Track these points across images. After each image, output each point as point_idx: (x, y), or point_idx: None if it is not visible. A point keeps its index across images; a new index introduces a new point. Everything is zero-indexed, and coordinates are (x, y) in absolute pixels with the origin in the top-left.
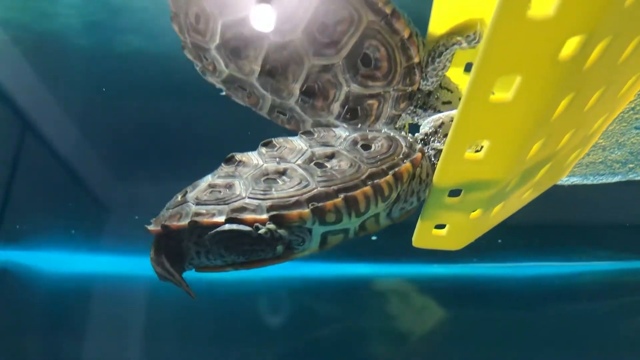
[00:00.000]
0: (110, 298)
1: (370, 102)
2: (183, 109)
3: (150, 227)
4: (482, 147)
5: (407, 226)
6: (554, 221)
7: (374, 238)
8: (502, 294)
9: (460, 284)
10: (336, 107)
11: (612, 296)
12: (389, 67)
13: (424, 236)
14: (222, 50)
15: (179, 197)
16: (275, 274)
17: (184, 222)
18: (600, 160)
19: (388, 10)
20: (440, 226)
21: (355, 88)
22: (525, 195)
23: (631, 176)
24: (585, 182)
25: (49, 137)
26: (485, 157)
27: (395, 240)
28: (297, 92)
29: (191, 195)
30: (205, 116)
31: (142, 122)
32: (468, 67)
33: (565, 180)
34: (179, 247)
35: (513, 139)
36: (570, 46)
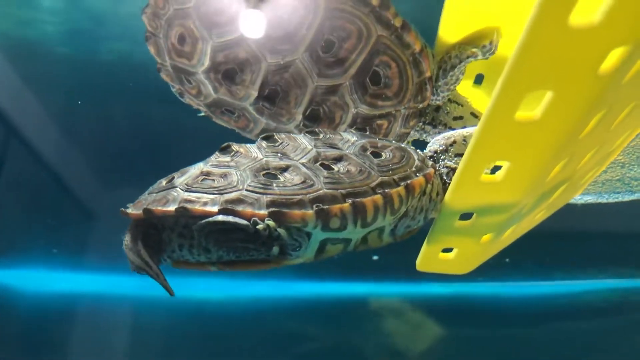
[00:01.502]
0: (92, 318)
1: (379, 122)
2: (172, 117)
3: (130, 211)
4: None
5: (406, 243)
6: (560, 237)
7: (375, 258)
8: (503, 312)
9: (460, 302)
10: (342, 130)
11: (616, 314)
12: (400, 84)
13: (429, 260)
14: (212, 75)
15: (164, 182)
16: (266, 294)
17: (171, 207)
18: (617, 177)
19: (398, 23)
20: (447, 249)
21: (363, 109)
22: (538, 216)
23: None
24: (599, 200)
25: (30, 148)
26: (504, 179)
27: (394, 257)
28: (299, 117)
29: (180, 180)
30: (193, 123)
31: (128, 131)
32: (478, 79)
33: (578, 199)
34: (158, 236)
35: (536, 161)
36: (613, 58)
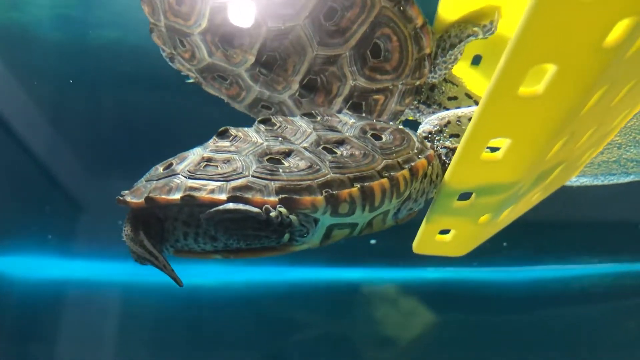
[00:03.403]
0: (83, 305)
1: (376, 97)
2: (162, 105)
3: (129, 199)
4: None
5: (399, 229)
6: (552, 222)
7: (373, 242)
8: (495, 297)
9: (452, 288)
10: (338, 102)
11: (607, 299)
12: (400, 58)
13: (426, 242)
14: (209, 37)
15: (161, 169)
16: (258, 279)
17: (175, 196)
18: (614, 159)
19: None
20: (445, 231)
21: (361, 82)
22: (534, 198)
23: None
24: (595, 182)
25: (19, 135)
26: (504, 157)
27: (385, 243)
28: (296, 85)
29: (181, 167)
30: (184, 110)
31: (118, 118)
32: (475, 60)
33: (574, 180)
34: (159, 225)
35: (537, 138)
36: (618, 30)
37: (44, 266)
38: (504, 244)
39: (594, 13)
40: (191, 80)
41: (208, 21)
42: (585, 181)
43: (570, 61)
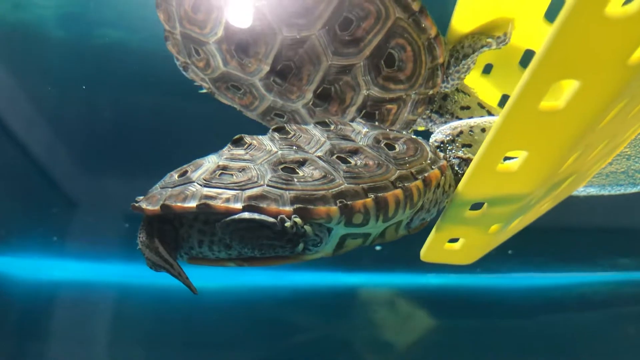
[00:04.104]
0: (80, 306)
1: (389, 106)
2: (163, 105)
3: (145, 206)
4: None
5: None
6: (554, 230)
7: (378, 248)
8: (494, 304)
9: (451, 294)
10: (352, 111)
11: (610, 306)
12: (414, 68)
13: (435, 250)
14: (224, 45)
15: (176, 176)
16: (255, 283)
17: (191, 204)
18: (622, 170)
19: (416, 7)
20: (453, 240)
21: (375, 91)
22: (543, 207)
23: None
24: (602, 192)
25: (20, 134)
26: (520, 169)
27: (386, 248)
28: (310, 94)
29: (196, 175)
30: (182, 110)
31: (118, 119)
32: (486, 69)
33: (581, 190)
34: (174, 232)
35: (554, 151)
36: None
37: (43, 267)
38: (510, 251)
39: (622, 31)
40: (204, 90)
41: (224, 29)
42: (592, 191)
43: (594, 77)
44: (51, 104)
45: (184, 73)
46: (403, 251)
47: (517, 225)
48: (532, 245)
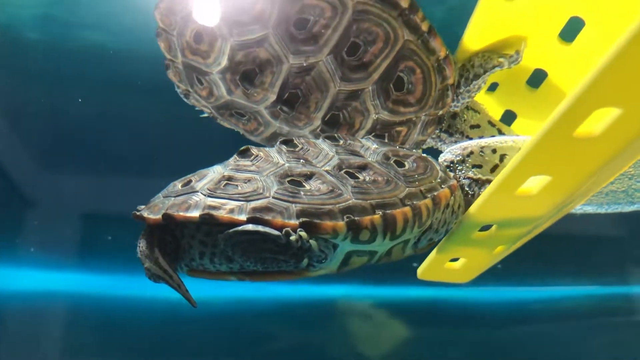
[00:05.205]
0: (57, 317)
1: (399, 129)
2: (142, 108)
3: (146, 215)
4: None
5: None
6: (540, 242)
7: None
8: (473, 315)
9: (430, 305)
10: (361, 135)
11: (590, 318)
12: (424, 91)
13: (434, 269)
14: (229, 75)
15: (179, 186)
16: (232, 294)
17: (194, 213)
18: (623, 189)
19: (425, 28)
20: (454, 259)
21: (384, 115)
22: (544, 225)
23: None
24: (599, 210)
25: None
26: (539, 193)
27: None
28: (318, 122)
29: (200, 185)
30: (167, 116)
31: (85, 120)
32: (491, 87)
33: (578, 209)
34: (175, 242)
35: (577, 176)
36: None
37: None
38: (499, 266)
39: None
40: (205, 115)
41: (228, 59)
42: (589, 209)
43: (635, 106)
44: (21, 108)
45: (185, 100)
46: (389, 263)
47: (517, 244)
48: (512, 257)
